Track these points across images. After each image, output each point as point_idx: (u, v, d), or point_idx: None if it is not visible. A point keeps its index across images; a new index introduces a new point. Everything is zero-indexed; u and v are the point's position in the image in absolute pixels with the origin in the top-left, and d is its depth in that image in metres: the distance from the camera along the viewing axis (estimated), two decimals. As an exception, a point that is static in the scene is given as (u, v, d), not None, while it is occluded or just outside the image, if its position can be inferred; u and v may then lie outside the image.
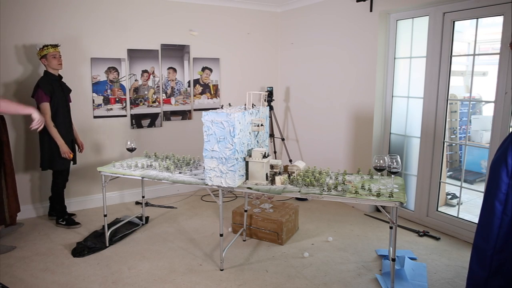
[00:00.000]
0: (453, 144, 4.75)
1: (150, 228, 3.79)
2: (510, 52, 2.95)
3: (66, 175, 3.82)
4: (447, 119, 3.62)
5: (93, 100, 4.25)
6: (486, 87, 4.05)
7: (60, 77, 3.70)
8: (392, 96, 4.03)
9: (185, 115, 4.86)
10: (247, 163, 2.81)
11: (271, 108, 4.76)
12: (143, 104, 4.56)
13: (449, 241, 3.45)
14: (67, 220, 3.80)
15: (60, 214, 3.83)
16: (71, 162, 3.78)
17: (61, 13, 3.96)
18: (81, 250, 3.22)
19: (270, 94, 4.77)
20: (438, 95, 3.57)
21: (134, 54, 4.42)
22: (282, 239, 3.38)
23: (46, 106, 3.50)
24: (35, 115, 2.84)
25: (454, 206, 4.02)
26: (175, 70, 4.72)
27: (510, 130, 3.07)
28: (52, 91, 3.55)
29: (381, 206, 2.59)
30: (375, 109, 4.05)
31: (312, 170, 2.95)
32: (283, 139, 4.95)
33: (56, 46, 3.63)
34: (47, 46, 3.57)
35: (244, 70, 5.22)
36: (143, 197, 3.90)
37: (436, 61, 3.53)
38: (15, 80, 3.84)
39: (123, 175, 3.16)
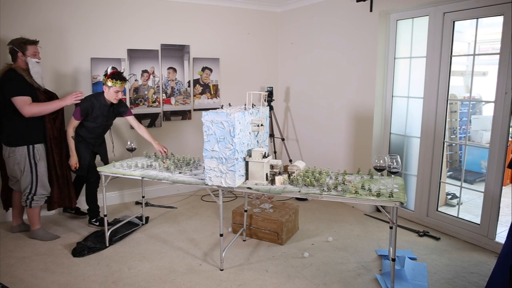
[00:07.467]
0: (453, 144, 4.75)
1: (150, 228, 3.79)
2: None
3: (95, 174, 3.66)
4: (447, 119, 3.62)
5: (93, 100, 4.25)
6: (486, 87, 4.05)
7: (111, 104, 3.58)
8: (392, 96, 4.03)
9: (185, 115, 4.86)
10: (247, 163, 2.81)
11: (271, 108, 4.76)
12: (143, 104, 4.56)
13: (449, 241, 3.45)
14: (100, 220, 3.72)
15: (92, 214, 3.78)
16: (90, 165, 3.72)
17: (60, 12, 3.96)
18: (81, 250, 3.22)
19: (270, 94, 4.77)
20: (438, 95, 3.57)
21: (134, 54, 4.42)
22: (282, 239, 3.38)
23: (73, 120, 3.49)
24: (67, 99, 3.35)
25: (454, 206, 4.02)
26: (175, 70, 4.72)
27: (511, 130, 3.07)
28: (89, 113, 3.50)
29: (381, 206, 2.59)
30: (375, 109, 4.05)
31: (312, 170, 2.95)
32: (283, 139, 4.95)
33: (125, 81, 3.53)
34: (117, 80, 3.43)
35: (244, 70, 5.22)
36: (143, 197, 3.90)
37: (436, 61, 3.53)
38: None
39: (123, 175, 3.16)
